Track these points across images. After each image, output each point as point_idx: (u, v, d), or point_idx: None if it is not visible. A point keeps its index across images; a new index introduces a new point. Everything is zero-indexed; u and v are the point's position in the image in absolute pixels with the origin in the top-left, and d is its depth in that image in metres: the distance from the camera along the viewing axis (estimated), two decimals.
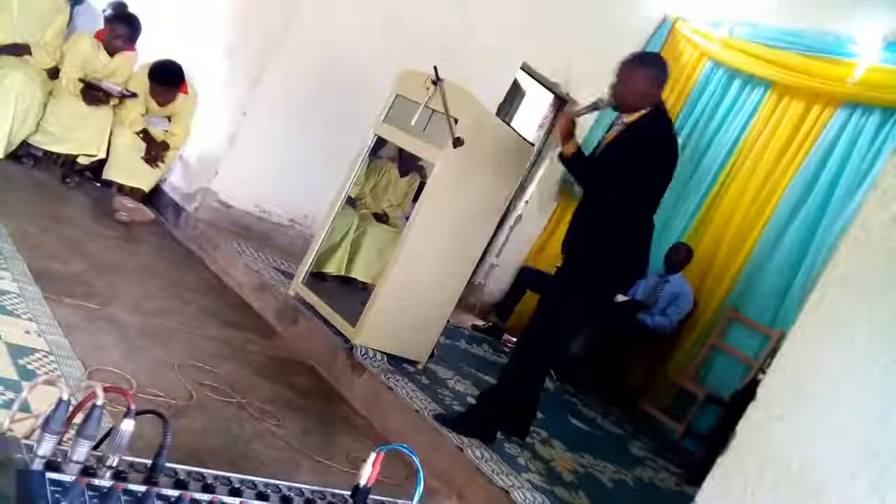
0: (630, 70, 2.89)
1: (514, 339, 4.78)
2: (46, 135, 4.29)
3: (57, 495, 0.99)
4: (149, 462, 1.14)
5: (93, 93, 4.38)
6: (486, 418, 2.97)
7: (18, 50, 4.18)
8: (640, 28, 5.86)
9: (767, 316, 4.76)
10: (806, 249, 4.72)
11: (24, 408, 1.61)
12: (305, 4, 4.40)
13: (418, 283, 3.42)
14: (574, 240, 3.02)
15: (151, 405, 1.87)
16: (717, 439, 3.19)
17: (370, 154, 3.87)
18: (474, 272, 3.99)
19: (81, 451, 1.06)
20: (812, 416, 1.68)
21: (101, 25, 4.68)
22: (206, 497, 1.14)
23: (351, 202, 4.42)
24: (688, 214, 5.38)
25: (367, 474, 1.31)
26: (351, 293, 4.30)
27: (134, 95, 4.52)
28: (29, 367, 2.01)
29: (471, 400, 3.44)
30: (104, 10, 4.95)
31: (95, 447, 1.12)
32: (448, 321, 3.74)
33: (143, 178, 4.58)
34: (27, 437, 1.11)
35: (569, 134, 2.98)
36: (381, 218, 4.73)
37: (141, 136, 4.55)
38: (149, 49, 4.83)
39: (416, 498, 1.31)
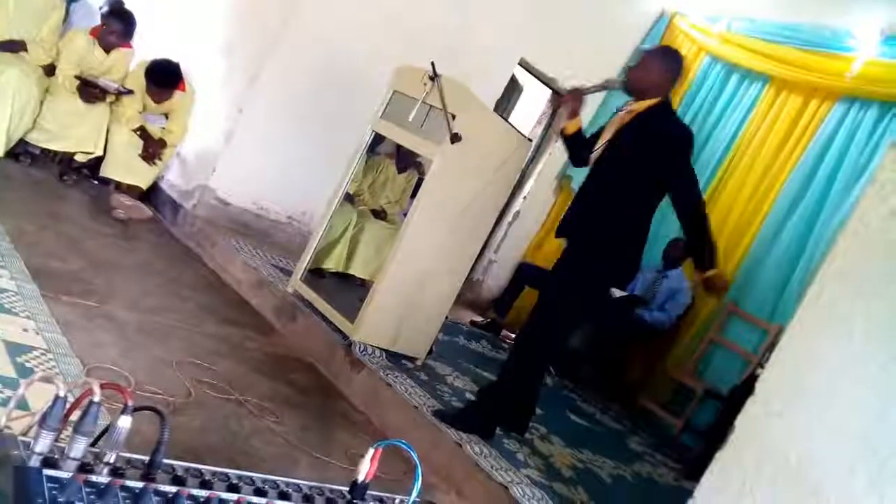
0: (651, 58, 2.98)
1: (513, 335, 4.78)
2: (43, 132, 4.28)
3: (54, 492, 0.99)
4: (146, 459, 1.14)
5: (89, 90, 4.37)
6: (485, 414, 2.97)
7: (14, 46, 4.17)
8: (638, 23, 5.86)
9: (766, 310, 4.76)
10: (804, 244, 4.72)
11: (22, 405, 1.61)
12: (304, 2, 4.39)
13: (416, 280, 3.42)
14: (574, 227, 3.01)
15: (150, 402, 1.87)
16: (716, 434, 3.19)
17: (368, 150, 3.86)
18: (472, 268, 3.99)
19: (79, 448, 1.06)
20: (810, 411, 1.68)
21: (97, 22, 4.67)
22: (203, 493, 1.14)
23: (349, 199, 4.42)
24: None
25: (365, 470, 1.31)
26: (349, 290, 4.30)
27: (130, 92, 4.51)
28: (27, 364, 2.01)
29: (469, 396, 3.44)
30: (101, 7, 4.93)
31: (93, 444, 1.11)
32: (446, 317, 3.75)
33: (141, 175, 4.57)
34: (24, 434, 1.11)
35: (575, 111, 3.03)
36: (380, 214, 4.73)
37: (138, 133, 4.54)
38: (147, 46, 4.83)
39: (415, 493, 1.31)
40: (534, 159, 5.97)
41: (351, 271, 4.50)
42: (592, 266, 2.89)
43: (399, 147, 4.49)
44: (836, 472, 1.59)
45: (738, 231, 5.08)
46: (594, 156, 3.03)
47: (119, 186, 4.50)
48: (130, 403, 1.11)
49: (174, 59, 4.61)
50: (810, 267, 4.55)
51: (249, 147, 4.50)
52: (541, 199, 6.12)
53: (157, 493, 1.09)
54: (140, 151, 4.53)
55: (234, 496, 1.17)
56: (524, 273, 5.43)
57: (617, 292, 4.73)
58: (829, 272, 1.74)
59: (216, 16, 4.93)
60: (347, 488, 1.34)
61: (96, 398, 1.09)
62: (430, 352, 3.70)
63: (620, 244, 2.91)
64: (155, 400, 2.17)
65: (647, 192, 2.90)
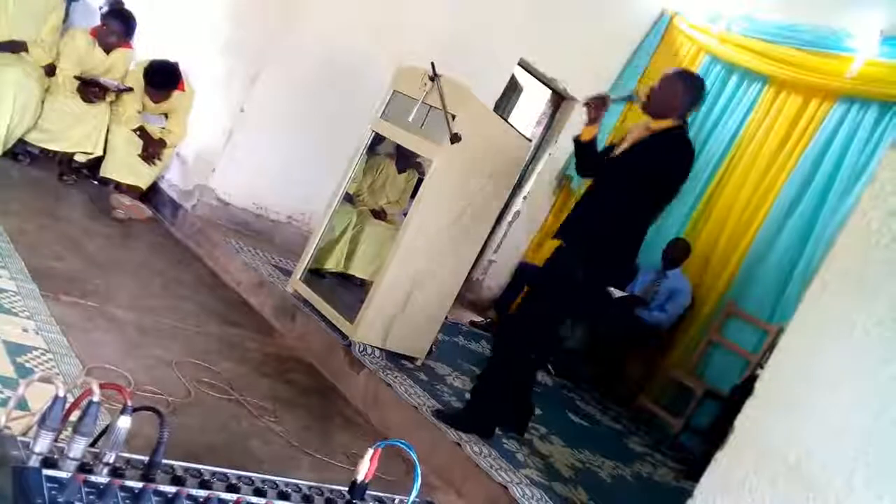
0: (672, 80, 2.93)
1: None
2: (43, 132, 4.27)
3: (54, 492, 0.99)
4: (146, 459, 1.14)
5: (90, 88, 4.37)
6: (484, 414, 2.97)
7: (15, 47, 4.17)
8: (638, 23, 5.86)
9: (766, 311, 4.76)
10: (804, 244, 4.72)
11: (21, 405, 1.61)
12: (304, 2, 4.39)
13: (416, 280, 3.42)
14: (573, 229, 3.02)
15: (149, 402, 1.87)
16: (716, 434, 3.19)
17: (368, 151, 3.86)
18: (472, 268, 3.99)
19: (78, 448, 1.06)
20: (810, 410, 1.68)
21: (97, 22, 4.67)
22: (203, 493, 1.14)
23: (349, 199, 4.42)
24: (686, 210, 5.38)
25: (364, 470, 1.31)
26: (349, 290, 4.31)
27: (130, 90, 4.50)
28: (27, 365, 2.01)
29: (469, 396, 3.44)
30: (100, 7, 4.92)
31: (92, 444, 1.11)
32: (446, 317, 3.75)
33: (141, 175, 4.57)
34: (24, 434, 1.11)
35: (596, 118, 2.99)
36: (379, 214, 4.72)
37: (138, 133, 4.54)
38: (147, 46, 4.82)
39: (414, 493, 1.31)
40: (534, 159, 5.97)
41: (351, 271, 4.50)
42: (582, 263, 2.89)
43: (399, 147, 4.49)
44: (835, 470, 1.59)
45: (737, 231, 5.09)
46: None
47: (119, 186, 4.49)
48: (130, 403, 1.11)
49: (173, 59, 4.61)
50: (810, 267, 4.55)
51: (249, 147, 4.49)
52: (541, 199, 6.11)
53: (157, 493, 1.09)
54: (139, 151, 4.53)
55: (233, 496, 1.17)
56: (524, 273, 5.42)
57: (616, 292, 4.74)
58: (828, 272, 1.74)
59: (216, 16, 4.93)
60: (347, 488, 1.33)
61: (96, 398, 1.09)
62: (429, 352, 3.70)
63: (612, 246, 2.92)
64: (154, 400, 2.17)
65: (646, 207, 2.93)
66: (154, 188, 4.73)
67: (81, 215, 3.91)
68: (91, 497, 1.02)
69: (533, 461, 2.99)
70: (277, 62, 4.41)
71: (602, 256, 2.90)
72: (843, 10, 4.74)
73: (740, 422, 1.77)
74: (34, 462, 1.03)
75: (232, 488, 1.20)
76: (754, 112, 5.30)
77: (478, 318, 5.42)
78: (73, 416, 1.10)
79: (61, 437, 1.08)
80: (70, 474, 1.03)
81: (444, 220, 3.39)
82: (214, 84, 4.70)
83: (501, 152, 3.46)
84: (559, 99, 5.92)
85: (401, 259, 3.33)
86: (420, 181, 4.54)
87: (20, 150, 4.26)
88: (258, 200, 4.70)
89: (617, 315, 4.82)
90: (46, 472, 1.02)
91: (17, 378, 1.90)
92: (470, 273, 3.90)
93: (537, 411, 3.38)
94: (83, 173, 4.55)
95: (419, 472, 1.30)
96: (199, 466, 1.21)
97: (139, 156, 4.53)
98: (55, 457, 1.05)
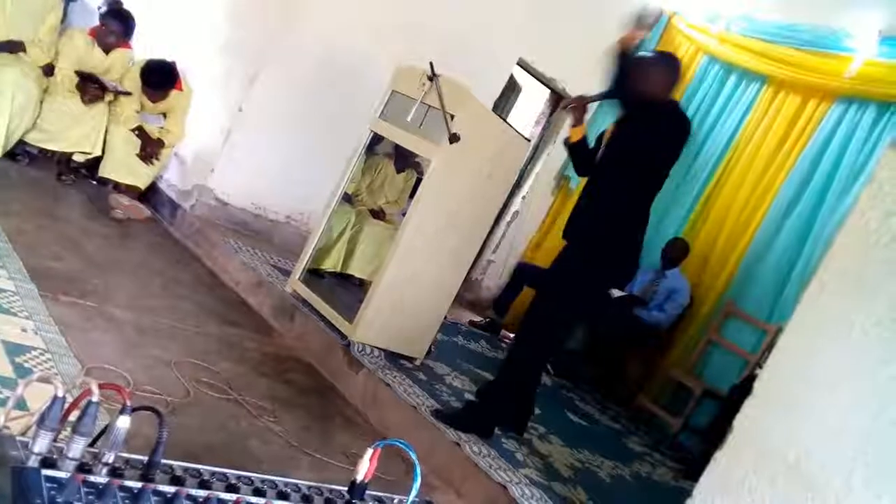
0: (648, 66, 2.91)
1: (512, 335, 4.78)
2: (42, 132, 4.27)
3: (53, 492, 0.99)
4: (145, 459, 1.14)
5: (89, 86, 4.36)
6: (483, 414, 2.97)
7: (13, 47, 4.16)
8: None
9: (764, 310, 4.77)
10: (803, 244, 4.73)
11: (20, 405, 1.61)
12: (304, 2, 4.39)
13: (415, 280, 3.42)
14: (577, 229, 3.02)
15: (148, 402, 1.87)
16: (715, 434, 3.19)
17: (367, 150, 3.86)
18: (471, 268, 3.99)
19: (77, 448, 1.06)
20: (809, 410, 1.68)
21: (95, 22, 4.66)
22: (202, 493, 1.14)
23: (348, 199, 4.42)
24: (684, 209, 5.38)
25: (364, 470, 1.31)
26: (348, 290, 4.30)
27: (128, 94, 4.50)
28: (25, 365, 2.01)
29: (468, 396, 3.44)
30: (99, 7, 4.92)
31: (91, 444, 1.11)
32: (445, 317, 3.74)
33: (139, 175, 4.57)
34: (23, 435, 1.10)
35: (579, 119, 3.04)
36: (378, 214, 4.72)
37: (136, 133, 4.54)
38: (146, 46, 4.82)
39: (413, 493, 1.30)
40: (532, 159, 5.97)
41: (349, 271, 4.50)
42: (590, 265, 2.89)
43: (398, 147, 4.49)
44: (834, 470, 1.59)
45: (736, 231, 5.09)
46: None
47: (117, 186, 4.49)
48: (129, 403, 1.10)
49: (170, 59, 4.61)
50: (808, 267, 4.56)
51: (248, 147, 4.49)
52: (540, 199, 6.12)
53: (156, 493, 1.08)
54: (138, 151, 4.53)
55: (232, 496, 1.17)
56: (523, 273, 5.42)
57: (616, 292, 4.74)
58: (827, 272, 1.74)
59: (215, 16, 4.93)
60: (346, 488, 1.33)
61: (95, 398, 1.08)
62: (428, 352, 3.70)
63: (614, 240, 2.91)
64: (153, 400, 2.17)
65: (643, 185, 2.91)
66: (153, 188, 4.73)
67: (80, 215, 3.91)
68: (90, 497, 1.02)
69: (532, 461, 2.99)
70: (277, 62, 4.41)
71: (604, 253, 2.89)
72: (842, 11, 4.74)
73: (739, 421, 1.77)
74: (33, 462, 1.03)
75: (231, 488, 1.20)
76: (753, 112, 5.30)
77: (477, 318, 5.42)
78: (72, 416, 1.10)
79: (60, 437, 1.08)
80: (69, 474, 1.03)
81: (443, 219, 3.39)
82: (213, 84, 4.70)
83: (500, 152, 3.46)
84: (558, 99, 5.92)
85: (399, 259, 3.32)
86: (419, 181, 4.54)
87: (19, 150, 4.26)
88: (257, 200, 4.70)
89: (616, 315, 4.82)
90: (45, 472, 1.02)
91: (15, 378, 1.90)
92: (469, 273, 3.90)
93: (536, 411, 3.38)
94: (82, 173, 4.55)
95: (419, 471, 1.30)
96: (199, 466, 1.21)
97: (137, 156, 4.53)
98: (54, 457, 1.05)
